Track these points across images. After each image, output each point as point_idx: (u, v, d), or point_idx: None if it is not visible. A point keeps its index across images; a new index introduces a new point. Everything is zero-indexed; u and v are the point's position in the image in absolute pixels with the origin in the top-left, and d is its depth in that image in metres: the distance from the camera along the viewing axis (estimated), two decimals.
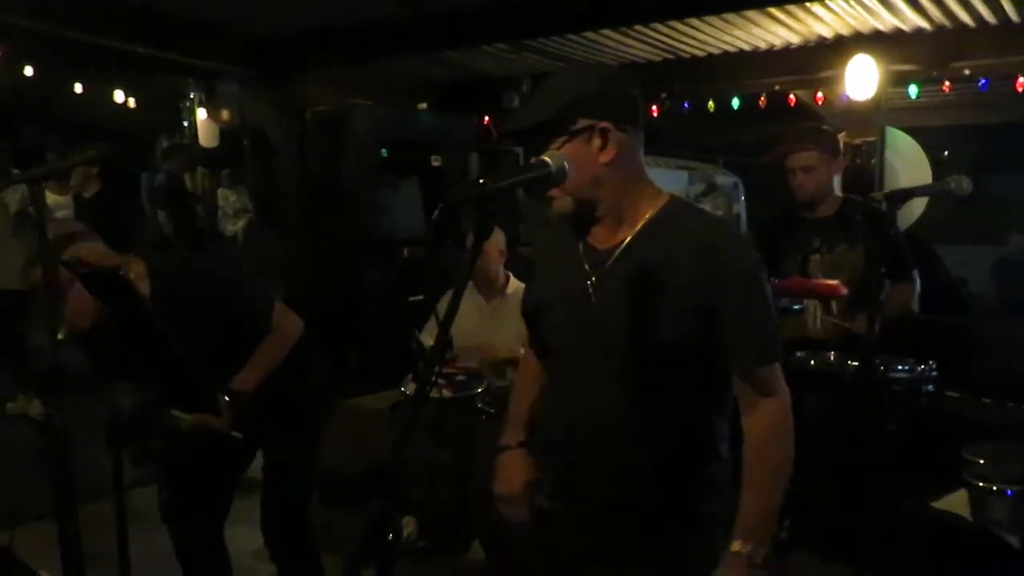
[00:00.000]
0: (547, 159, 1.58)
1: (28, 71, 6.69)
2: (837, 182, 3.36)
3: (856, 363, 2.88)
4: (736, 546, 1.56)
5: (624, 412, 1.61)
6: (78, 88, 7.36)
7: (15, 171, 6.39)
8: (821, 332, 3.10)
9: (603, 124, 1.57)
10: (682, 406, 1.61)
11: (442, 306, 3.52)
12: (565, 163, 1.58)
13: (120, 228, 5.76)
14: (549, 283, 1.78)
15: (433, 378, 1.41)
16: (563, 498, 1.75)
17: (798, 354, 3.02)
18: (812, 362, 2.99)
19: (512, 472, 1.85)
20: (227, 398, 2.19)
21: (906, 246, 3.24)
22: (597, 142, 1.58)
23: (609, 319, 1.60)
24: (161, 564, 2.59)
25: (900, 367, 2.89)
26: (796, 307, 3.09)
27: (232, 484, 2.58)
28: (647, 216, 1.63)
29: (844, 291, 3.00)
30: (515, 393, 1.98)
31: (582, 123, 1.57)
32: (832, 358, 3.00)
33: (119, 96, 7.66)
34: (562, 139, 1.58)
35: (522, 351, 3.69)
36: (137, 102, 7.93)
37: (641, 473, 1.63)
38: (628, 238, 1.63)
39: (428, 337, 3.71)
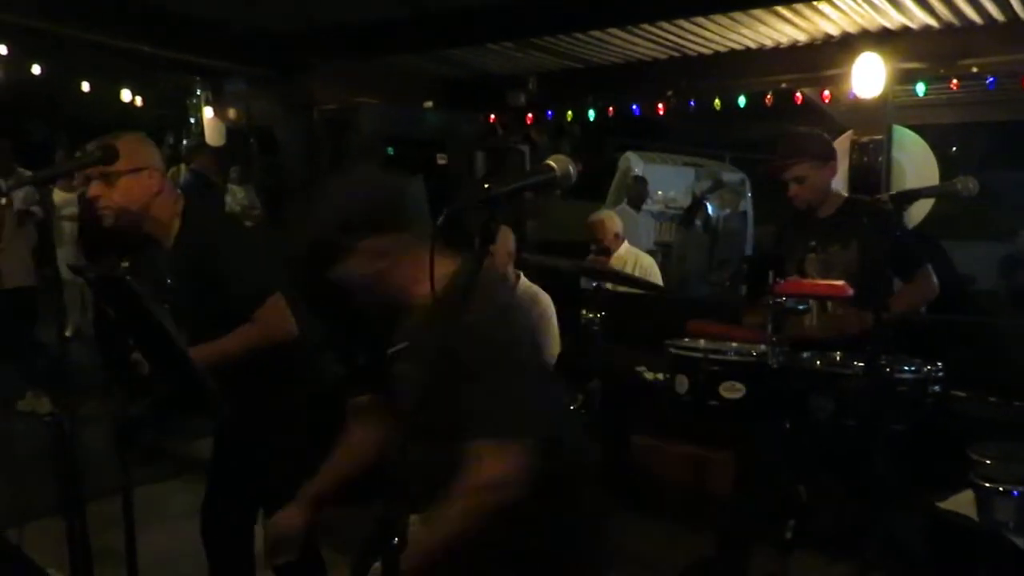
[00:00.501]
0: (552, 163, 1.61)
1: (35, 69, 6.72)
2: (840, 181, 3.37)
3: (862, 363, 2.88)
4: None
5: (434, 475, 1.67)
6: (85, 87, 7.38)
7: (23, 171, 6.43)
8: (818, 330, 3.11)
9: (367, 241, 1.71)
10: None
11: None
12: (570, 168, 1.60)
13: None
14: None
15: None
16: None
17: (804, 354, 3.02)
18: (818, 362, 2.98)
19: (292, 518, 2.00)
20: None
21: (913, 243, 3.25)
22: (376, 252, 1.72)
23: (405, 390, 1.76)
24: (168, 562, 2.61)
25: (906, 367, 2.87)
26: (801, 307, 3.10)
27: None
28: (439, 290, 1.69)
29: (849, 292, 2.99)
30: (341, 448, 2.07)
31: (360, 239, 1.71)
32: (838, 358, 3.00)
33: (126, 95, 7.68)
34: (350, 251, 1.72)
35: None
36: (144, 100, 7.95)
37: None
38: (424, 314, 1.75)
39: None
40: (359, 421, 2.03)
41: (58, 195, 7.04)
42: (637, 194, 8.81)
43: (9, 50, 6.41)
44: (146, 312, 1.83)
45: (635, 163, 10.17)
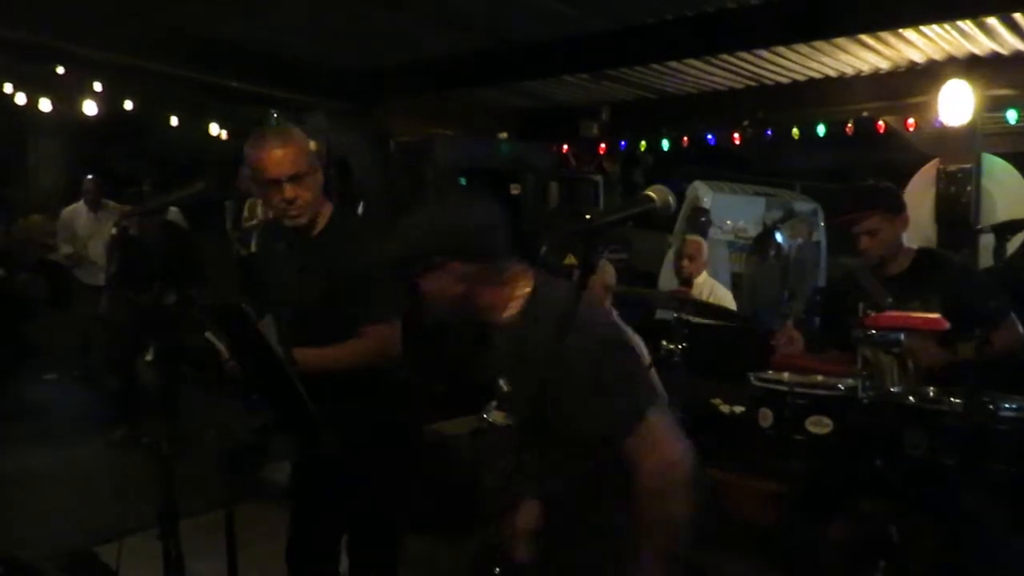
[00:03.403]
0: (652, 194, 1.61)
1: (128, 105, 7.04)
2: (927, 211, 3.27)
3: (958, 399, 2.77)
4: None
5: (551, 493, 1.78)
6: (173, 121, 7.68)
7: (109, 202, 6.70)
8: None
9: (452, 264, 1.77)
10: (582, 467, 1.72)
11: None
12: (669, 198, 1.61)
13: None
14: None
15: None
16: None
17: (895, 389, 2.93)
18: (911, 397, 2.88)
19: (523, 517, 1.97)
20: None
21: (993, 289, 3.12)
22: (455, 275, 1.78)
23: (512, 404, 1.84)
24: None
25: (1007, 404, 2.76)
26: (891, 336, 3.00)
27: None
28: (512, 310, 1.80)
29: (946, 325, 2.90)
30: None
31: (436, 260, 1.78)
32: (932, 393, 2.89)
33: (214, 128, 7.97)
34: (421, 272, 1.78)
35: None
36: (228, 133, 8.23)
37: (559, 527, 1.78)
38: (506, 335, 1.82)
39: None
40: None
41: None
42: (700, 225, 8.72)
43: (104, 86, 6.73)
44: (260, 341, 1.87)
45: (703, 192, 10.05)
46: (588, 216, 1.56)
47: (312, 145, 2.42)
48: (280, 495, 4.50)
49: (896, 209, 3.13)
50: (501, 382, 1.84)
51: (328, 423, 2.15)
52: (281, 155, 2.29)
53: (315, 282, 2.40)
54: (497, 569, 1.34)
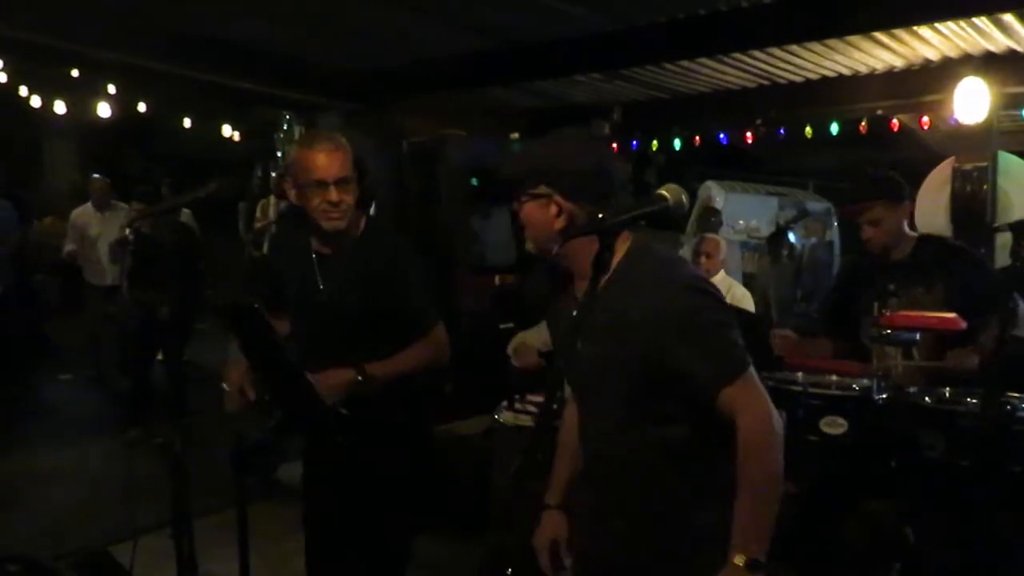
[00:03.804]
0: (665, 193, 1.61)
1: (141, 107, 7.09)
2: (942, 210, 3.30)
3: (974, 399, 2.75)
4: (736, 552, 1.63)
5: (618, 443, 1.79)
6: (186, 122, 7.72)
7: (118, 203, 6.74)
8: (903, 378, 2.99)
9: (556, 198, 1.73)
10: (670, 430, 1.74)
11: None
12: (683, 198, 1.60)
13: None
14: (554, 331, 1.97)
15: (554, 406, 1.44)
16: (595, 519, 1.90)
17: (912, 389, 2.91)
18: (927, 398, 2.86)
19: (544, 529, 1.98)
20: (356, 368, 2.24)
21: (996, 277, 3.21)
22: (553, 209, 1.74)
23: (593, 364, 1.76)
24: None
25: None
26: (905, 336, 2.99)
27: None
28: (614, 266, 1.73)
29: (963, 324, 2.87)
30: (559, 448, 2.07)
31: (543, 190, 1.74)
32: (948, 393, 2.87)
33: (227, 130, 8.01)
34: (526, 197, 1.76)
35: None
36: (240, 135, 8.28)
37: (640, 494, 1.79)
38: (599, 289, 1.74)
39: (510, 348, 3.75)
40: (566, 418, 2.07)
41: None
42: (710, 225, 8.69)
43: (117, 89, 6.78)
44: (271, 340, 1.88)
45: (716, 192, 10.01)
46: (601, 216, 1.56)
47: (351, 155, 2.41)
48: (288, 494, 4.54)
49: (898, 198, 3.17)
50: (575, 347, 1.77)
51: (344, 423, 2.16)
52: (331, 158, 2.30)
53: (351, 291, 2.39)
54: (509, 570, 1.33)
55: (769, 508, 1.64)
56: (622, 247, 1.75)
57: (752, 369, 1.69)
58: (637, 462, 1.77)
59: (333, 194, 2.29)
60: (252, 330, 1.90)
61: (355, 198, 2.38)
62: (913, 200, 3.30)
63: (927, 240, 3.26)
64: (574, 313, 1.78)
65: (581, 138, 1.90)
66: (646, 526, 1.79)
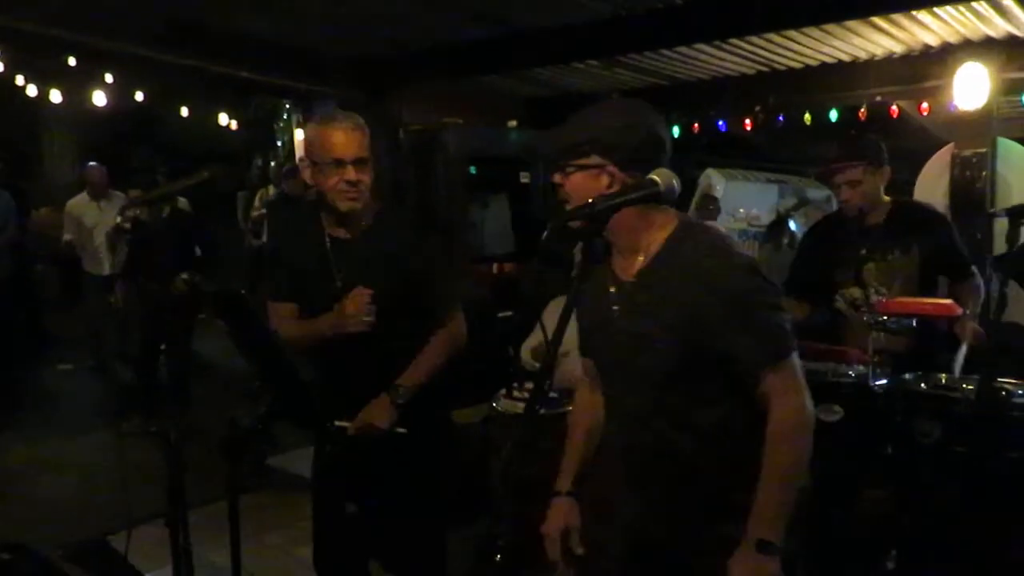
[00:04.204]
0: (656, 178, 1.60)
1: (139, 96, 7.06)
2: (941, 196, 3.31)
3: (971, 385, 2.75)
4: (751, 535, 1.66)
5: (660, 421, 1.77)
6: (184, 111, 7.70)
7: (116, 192, 6.74)
8: (885, 342, 3.00)
9: (610, 167, 1.71)
10: (709, 412, 1.74)
11: (546, 318, 3.52)
12: (674, 182, 1.59)
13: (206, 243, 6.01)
14: (586, 307, 1.91)
15: (542, 396, 1.43)
16: (625, 496, 1.90)
17: (907, 376, 2.91)
18: (923, 384, 2.86)
19: (555, 517, 1.97)
20: (391, 393, 2.26)
21: (962, 246, 3.25)
22: (605, 180, 1.71)
23: (632, 343, 1.76)
24: (265, 570, 2.65)
25: (1022, 391, 2.73)
26: (902, 322, 2.99)
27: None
28: (656, 246, 1.75)
29: (959, 311, 2.88)
30: (570, 433, 2.05)
31: (594, 159, 1.70)
32: (944, 380, 2.87)
33: (223, 119, 7.98)
34: (573, 168, 1.72)
35: None
36: (238, 123, 8.25)
37: (675, 472, 1.79)
38: (640, 268, 1.76)
39: (526, 351, 3.74)
40: (579, 404, 2.07)
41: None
42: (708, 213, 8.68)
43: (115, 78, 6.75)
44: (260, 329, 1.88)
45: (716, 180, 9.98)
46: (591, 200, 1.56)
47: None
48: (282, 484, 4.56)
49: (879, 162, 3.19)
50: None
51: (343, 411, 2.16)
52: (350, 136, 2.28)
53: (370, 278, 2.36)
54: (498, 556, 1.34)
55: (790, 496, 1.66)
56: (667, 224, 1.74)
57: (796, 356, 1.69)
58: (671, 441, 1.76)
59: (351, 173, 2.26)
60: (240, 319, 1.91)
61: (372, 181, 2.36)
62: (894, 169, 3.30)
63: (901, 205, 3.28)
64: (611, 290, 1.78)
65: (633, 105, 1.83)
66: (680, 507, 1.79)
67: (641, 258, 1.75)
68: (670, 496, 1.80)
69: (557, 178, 1.75)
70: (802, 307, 3.31)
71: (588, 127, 1.74)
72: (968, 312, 3.01)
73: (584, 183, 1.70)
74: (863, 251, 3.19)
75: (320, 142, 2.31)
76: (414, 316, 2.38)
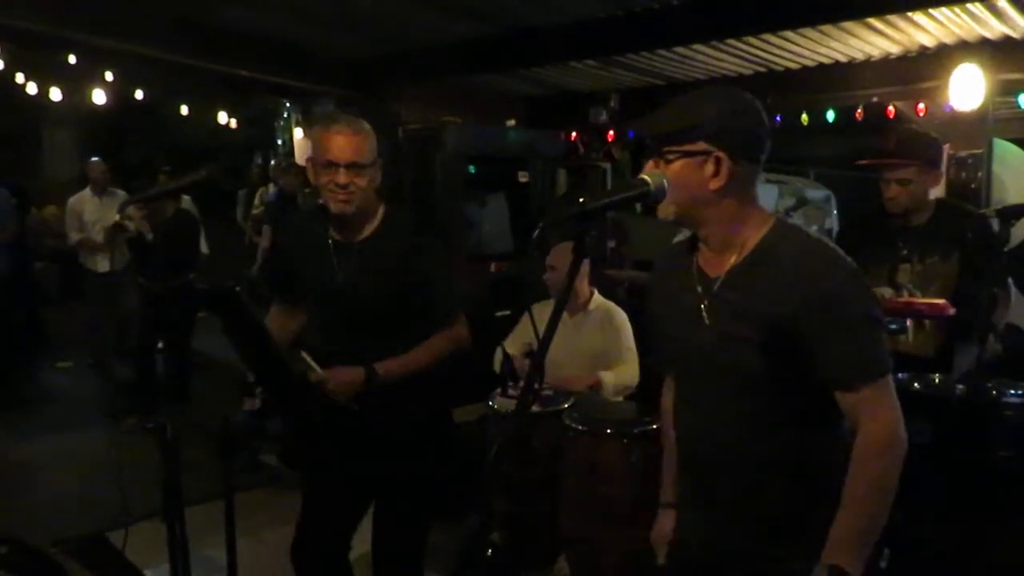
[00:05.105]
0: (647, 178, 1.61)
1: (139, 94, 7.08)
2: (934, 192, 3.21)
3: (963, 385, 2.76)
4: (824, 559, 1.57)
5: (737, 428, 1.68)
6: (184, 110, 7.72)
7: (116, 190, 6.74)
8: (913, 347, 2.99)
9: (719, 154, 1.60)
10: (786, 425, 1.65)
11: (536, 314, 3.54)
12: (664, 182, 1.60)
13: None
14: (665, 304, 1.83)
15: (531, 396, 1.44)
16: (692, 505, 1.83)
17: (900, 376, 2.91)
18: (916, 384, 2.87)
19: (663, 526, 1.94)
20: (367, 370, 2.26)
21: (1003, 256, 3.08)
22: (710, 168, 1.61)
23: (718, 343, 1.66)
24: (254, 571, 2.66)
25: (1013, 391, 2.74)
26: (893, 326, 2.99)
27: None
28: (752, 244, 1.66)
29: (951, 311, 2.88)
30: (665, 442, 1.99)
31: (701, 146, 1.60)
32: (937, 380, 2.88)
33: (223, 117, 8.00)
34: (677, 154, 1.61)
35: (600, 374, 3.66)
36: (237, 122, 8.27)
37: (741, 486, 1.69)
38: (733, 265, 1.67)
39: (511, 345, 3.74)
40: (665, 407, 1.99)
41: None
42: None
43: (115, 76, 6.78)
44: (253, 324, 1.90)
45: None
46: (582, 200, 1.55)
47: (375, 142, 2.40)
48: (277, 480, 4.58)
49: (935, 164, 3.05)
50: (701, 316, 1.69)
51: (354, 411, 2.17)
52: (346, 140, 2.31)
53: (370, 283, 2.38)
54: (489, 551, 1.35)
55: (872, 522, 1.57)
56: (763, 225, 1.65)
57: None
58: (743, 452, 1.67)
59: (341, 176, 2.29)
60: (235, 315, 1.92)
61: (373, 185, 2.38)
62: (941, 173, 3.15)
63: (946, 207, 3.14)
64: (697, 288, 1.70)
65: (740, 92, 1.68)
66: (742, 524, 1.71)
67: (734, 256, 1.66)
68: (733, 513, 1.72)
69: (651, 166, 1.64)
70: None
71: (696, 111, 1.62)
72: (995, 321, 2.93)
73: (687, 171, 1.60)
74: (903, 251, 3.06)
75: (318, 143, 2.36)
76: (412, 322, 2.39)
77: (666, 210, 1.65)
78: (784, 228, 1.67)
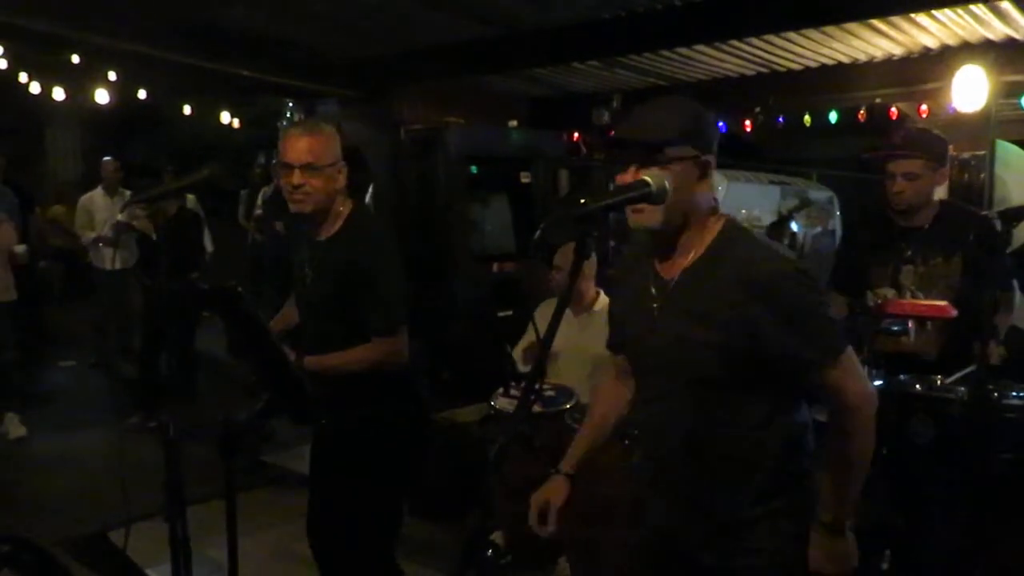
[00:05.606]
0: (648, 179, 1.61)
1: (141, 94, 7.09)
2: (939, 191, 3.21)
3: (965, 387, 2.76)
4: (821, 518, 1.70)
5: (691, 425, 1.74)
6: (187, 110, 7.72)
7: (124, 191, 6.75)
8: (915, 347, 2.98)
9: (706, 157, 1.67)
10: (743, 419, 1.72)
11: (538, 319, 3.55)
12: (666, 183, 1.61)
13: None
14: (624, 303, 1.91)
15: (533, 396, 1.45)
16: (655, 495, 1.89)
17: (902, 377, 2.91)
18: (918, 386, 2.87)
19: (545, 489, 1.97)
20: (295, 362, 2.28)
21: (1007, 258, 3.10)
22: (698, 171, 1.68)
23: (672, 344, 1.73)
24: (258, 570, 2.67)
25: (1015, 393, 2.74)
26: (895, 327, 2.99)
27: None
28: (705, 244, 1.72)
29: (953, 313, 2.88)
30: (586, 420, 2.06)
31: (690, 151, 1.66)
32: (939, 382, 2.88)
33: (225, 117, 8.00)
34: (675, 162, 1.65)
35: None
36: (240, 122, 8.27)
37: (704, 477, 1.76)
38: (685, 267, 1.73)
39: (518, 352, 3.75)
40: (601, 391, 2.07)
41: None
42: None
43: (118, 76, 6.79)
44: (254, 323, 1.90)
45: (717, 181, 9.96)
46: (583, 200, 1.56)
47: (339, 143, 2.44)
48: (279, 480, 4.59)
49: (941, 160, 3.03)
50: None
51: (333, 407, 2.20)
52: (300, 143, 2.36)
53: (327, 281, 2.45)
54: (490, 551, 1.35)
55: (860, 480, 1.70)
56: (713, 226, 1.72)
57: (851, 347, 1.69)
58: (703, 446, 1.74)
59: (296, 177, 2.35)
60: (236, 314, 1.93)
61: (332, 186, 2.41)
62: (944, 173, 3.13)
63: (949, 208, 3.12)
64: (652, 289, 1.76)
65: (684, 98, 1.79)
66: (706, 512, 1.78)
67: (686, 258, 1.73)
68: (696, 501, 1.79)
69: (633, 173, 1.66)
70: (839, 305, 3.15)
71: (673, 119, 1.68)
72: (997, 325, 2.92)
73: (687, 174, 1.66)
74: (907, 253, 3.04)
75: (280, 145, 2.46)
76: (361, 327, 2.42)
77: (652, 216, 1.66)
78: (733, 230, 1.74)
